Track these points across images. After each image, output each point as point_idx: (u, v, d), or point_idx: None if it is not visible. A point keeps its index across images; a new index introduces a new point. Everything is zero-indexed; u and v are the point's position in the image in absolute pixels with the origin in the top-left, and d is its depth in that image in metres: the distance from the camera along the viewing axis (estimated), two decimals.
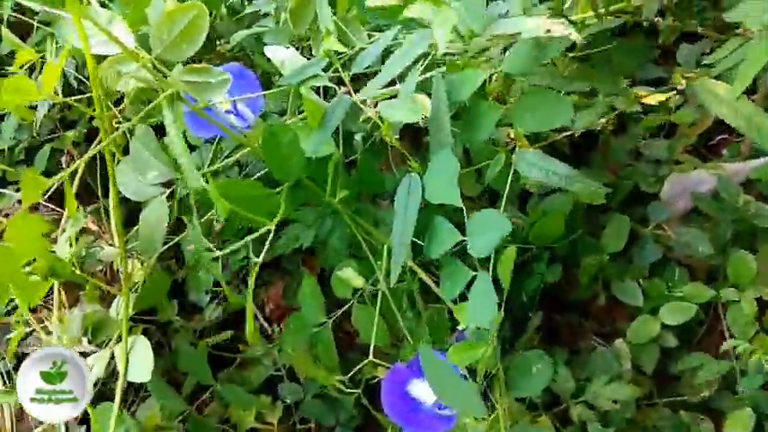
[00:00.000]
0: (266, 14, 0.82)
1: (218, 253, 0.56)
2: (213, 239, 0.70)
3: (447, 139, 0.61)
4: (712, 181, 0.97)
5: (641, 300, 0.90)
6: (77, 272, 0.66)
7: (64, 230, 0.70)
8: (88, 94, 0.81)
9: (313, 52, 0.75)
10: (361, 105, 0.60)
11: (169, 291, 0.84)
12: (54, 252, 0.60)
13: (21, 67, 0.80)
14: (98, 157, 0.91)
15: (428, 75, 0.62)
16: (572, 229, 0.89)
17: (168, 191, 0.72)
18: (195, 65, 0.62)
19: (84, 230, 0.94)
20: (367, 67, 0.61)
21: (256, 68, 0.92)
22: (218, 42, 0.96)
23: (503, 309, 0.53)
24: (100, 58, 0.58)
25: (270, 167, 0.59)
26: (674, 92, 0.88)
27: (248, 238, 0.55)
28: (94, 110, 0.53)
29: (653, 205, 0.97)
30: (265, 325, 0.92)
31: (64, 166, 0.94)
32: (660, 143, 1.01)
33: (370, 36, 0.77)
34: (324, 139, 0.59)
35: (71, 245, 0.63)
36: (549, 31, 0.48)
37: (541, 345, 0.90)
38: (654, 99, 0.90)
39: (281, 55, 0.64)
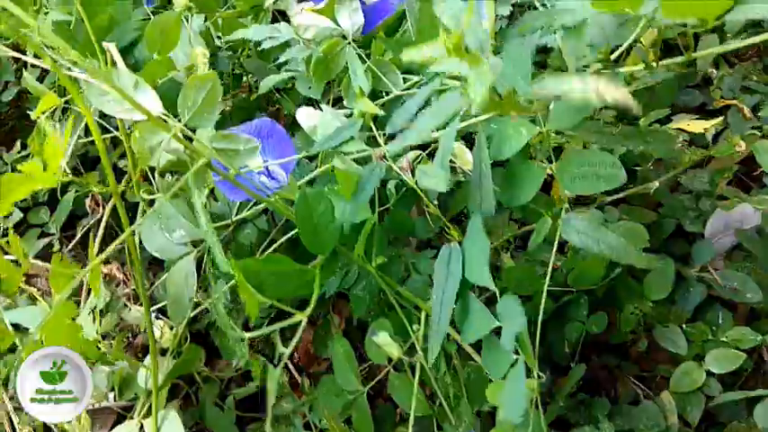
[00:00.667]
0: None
1: (245, 335, 0.53)
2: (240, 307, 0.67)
3: (489, 206, 0.58)
4: (757, 217, 0.93)
5: (685, 347, 0.86)
6: (104, 348, 0.63)
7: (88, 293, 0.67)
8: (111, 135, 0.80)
9: (345, 101, 0.72)
10: (397, 169, 0.57)
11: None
12: (81, 330, 0.57)
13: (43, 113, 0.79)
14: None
15: (468, 123, 0.59)
16: (612, 270, 0.86)
17: (196, 250, 0.70)
18: (224, 131, 0.60)
19: (107, 276, 0.93)
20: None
21: (284, 110, 0.90)
22: (244, 79, 0.94)
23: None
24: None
25: (303, 239, 0.56)
26: (717, 121, 0.85)
27: (277, 325, 0.52)
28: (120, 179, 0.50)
29: (697, 247, 0.93)
30: (294, 374, 0.90)
31: (88, 209, 0.92)
32: (702, 175, 0.97)
33: (405, 79, 0.74)
34: (359, 208, 0.56)
35: (95, 318, 0.61)
36: (599, 91, 0.44)
37: (581, 393, 0.86)
38: (697, 128, 0.86)
39: (313, 120, 0.61)
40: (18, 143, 0.98)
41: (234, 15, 0.84)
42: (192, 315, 0.68)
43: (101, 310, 0.70)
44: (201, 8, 0.78)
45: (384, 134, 0.60)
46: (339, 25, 0.71)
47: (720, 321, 0.89)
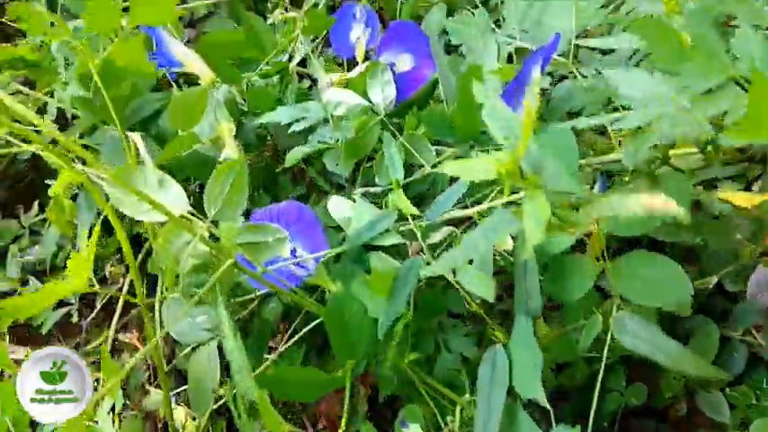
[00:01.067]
0: (325, 120, 0.75)
1: None
2: None
3: (537, 305, 0.54)
4: None
5: (728, 415, 0.82)
6: None
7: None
8: None
9: (377, 179, 0.68)
10: (435, 267, 0.53)
11: None
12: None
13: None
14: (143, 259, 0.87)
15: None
16: None
17: (219, 337, 0.66)
18: (252, 223, 0.57)
19: (125, 345, 0.90)
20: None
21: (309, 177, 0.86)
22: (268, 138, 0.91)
23: None
24: None
25: (333, 344, 0.52)
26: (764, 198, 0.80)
27: None
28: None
29: (740, 308, 0.88)
30: None
31: (107, 275, 0.89)
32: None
33: (438, 153, 0.71)
34: (395, 311, 0.52)
35: (114, 421, 0.57)
36: (651, 209, 0.40)
37: None
38: (743, 201, 0.81)
39: (345, 211, 0.57)
40: (36, 205, 0.96)
41: (260, 75, 0.81)
42: (215, 407, 0.64)
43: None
44: (226, 80, 0.76)
45: (420, 226, 0.57)
46: (371, 101, 0.68)
47: (766, 385, 0.84)
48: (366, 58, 0.96)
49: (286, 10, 1.12)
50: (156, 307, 0.71)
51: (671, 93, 0.48)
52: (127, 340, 0.87)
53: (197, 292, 0.49)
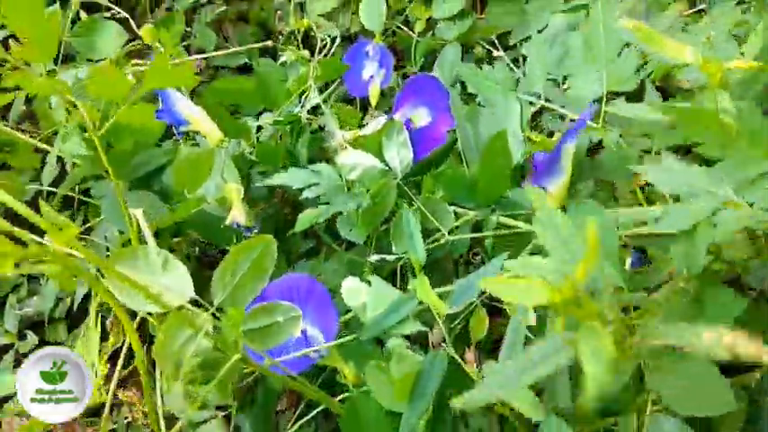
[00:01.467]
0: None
1: None
2: None
3: (567, 405, 0.49)
4: None
5: None
6: None
7: None
8: None
9: (393, 246, 0.64)
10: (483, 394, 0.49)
11: None
12: None
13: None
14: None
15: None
16: None
17: (223, 413, 0.62)
18: (260, 305, 0.53)
19: (125, 400, 0.86)
20: None
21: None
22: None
23: None
24: None
25: None
26: None
27: None
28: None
29: None
30: None
31: (108, 330, 0.85)
32: None
33: (457, 216, 0.67)
34: (418, 413, 0.48)
35: None
36: (731, 347, 0.36)
37: None
38: None
39: (361, 296, 0.53)
40: None
41: (270, 124, 0.77)
42: None
43: None
44: (235, 134, 0.72)
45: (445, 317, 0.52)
46: (387, 164, 0.64)
47: None
48: (381, 94, 0.92)
49: (298, 47, 1.08)
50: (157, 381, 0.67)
51: (717, 185, 0.44)
52: (126, 399, 0.83)
53: (199, 394, 0.45)
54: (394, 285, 0.73)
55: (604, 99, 0.59)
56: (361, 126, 0.97)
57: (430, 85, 0.72)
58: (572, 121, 0.64)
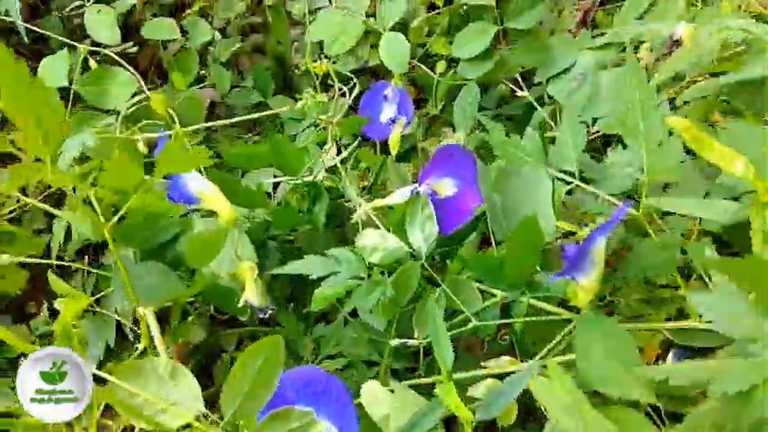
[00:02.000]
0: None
1: None
2: None
3: None
4: None
5: None
6: None
7: None
8: None
9: (415, 331, 0.61)
10: None
11: None
12: None
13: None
14: None
15: None
16: None
17: None
18: (275, 412, 0.49)
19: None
20: None
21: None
22: None
23: None
24: None
25: None
26: None
27: None
28: None
29: None
30: None
31: None
32: None
33: (483, 297, 0.63)
34: None
35: None
36: None
37: None
38: None
39: (383, 406, 0.50)
40: (45, 308, 0.90)
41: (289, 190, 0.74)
42: None
43: None
44: (250, 205, 0.69)
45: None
46: (411, 245, 0.61)
47: None
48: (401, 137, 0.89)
49: (315, 89, 1.05)
50: None
51: None
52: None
53: None
54: (416, 363, 0.71)
55: (646, 189, 0.55)
56: (378, 176, 0.94)
57: (455, 154, 0.68)
58: (607, 202, 0.60)
